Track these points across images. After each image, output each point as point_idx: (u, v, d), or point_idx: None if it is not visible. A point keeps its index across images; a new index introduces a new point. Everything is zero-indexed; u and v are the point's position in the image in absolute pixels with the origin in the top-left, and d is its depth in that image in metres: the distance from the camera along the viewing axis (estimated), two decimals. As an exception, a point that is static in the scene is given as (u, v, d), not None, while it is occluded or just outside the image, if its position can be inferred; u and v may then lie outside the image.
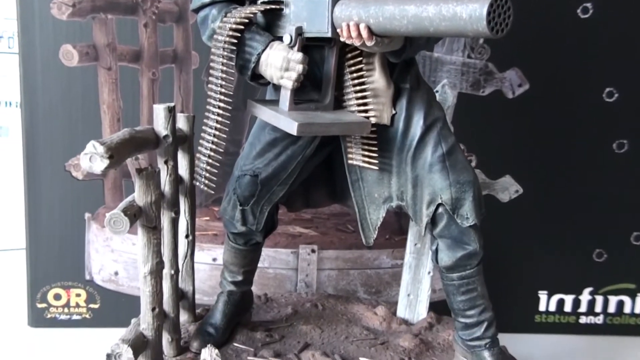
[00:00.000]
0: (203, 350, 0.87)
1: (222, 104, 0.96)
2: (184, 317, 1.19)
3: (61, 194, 1.38)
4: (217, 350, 0.87)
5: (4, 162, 1.74)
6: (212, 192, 0.98)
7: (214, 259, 1.43)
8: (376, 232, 1.07)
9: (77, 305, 1.42)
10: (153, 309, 0.99)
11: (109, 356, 0.94)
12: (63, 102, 1.35)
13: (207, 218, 1.44)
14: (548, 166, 1.42)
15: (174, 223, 1.09)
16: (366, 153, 1.02)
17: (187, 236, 1.17)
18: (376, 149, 1.01)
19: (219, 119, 0.97)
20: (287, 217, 1.46)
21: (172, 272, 1.09)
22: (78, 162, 1.37)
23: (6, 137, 1.78)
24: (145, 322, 0.99)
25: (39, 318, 1.42)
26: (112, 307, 1.41)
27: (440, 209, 1.02)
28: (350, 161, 1.04)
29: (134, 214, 0.93)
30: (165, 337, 1.08)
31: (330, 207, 1.49)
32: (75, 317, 1.42)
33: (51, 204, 1.38)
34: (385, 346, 1.16)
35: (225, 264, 1.16)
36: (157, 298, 0.99)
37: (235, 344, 1.14)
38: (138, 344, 0.97)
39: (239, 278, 1.16)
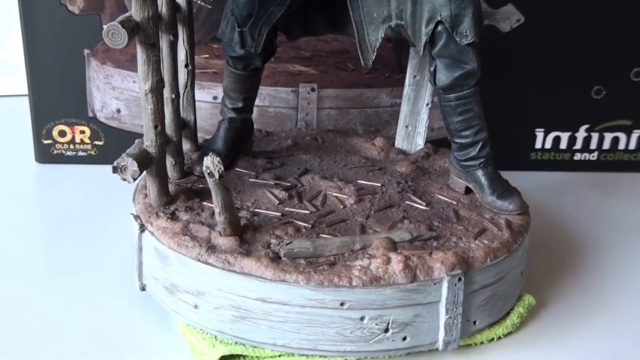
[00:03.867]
0: (205, 158, 0.90)
1: None
2: (186, 146, 1.21)
3: (58, 31, 1.37)
4: (218, 158, 0.90)
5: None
6: (209, 6, 0.97)
7: (214, 97, 1.44)
8: (374, 54, 1.07)
9: (82, 142, 1.45)
10: (155, 127, 1.01)
11: (114, 168, 0.97)
12: None
13: (207, 55, 1.44)
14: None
15: (173, 47, 1.10)
16: (366, -32, 1.00)
17: (186, 65, 1.17)
18: (376, -37, 0.99)
19: None
20: (287, 55, 1.45)
21: (173, 96, 1.11)
22: (73, -5, 1.35)
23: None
24: (148, 139, 1.02)
25: (45, 154, 1.45)
26: (116, 145, 1.43)
27: (440, 27, 1.01)
28: (349, -21, 1.02)
29: (131, 28, 0.93)
30: (169, 160, 1.11)
31: (330, 45, 1.48)
32: (81, 153, 1.46)
33: (49, 42, 1.38)
34: (382, 171, 1.20)
35: (225, 91, 1.17)
36: (158, 116, 1.01)
37: (237, 169, 1.18)
38: (142, 159, 1.00)
39: (239, 105, 1.17)
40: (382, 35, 1.05)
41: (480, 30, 1.01)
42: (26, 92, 1.43)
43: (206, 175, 0.91)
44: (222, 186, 0.92)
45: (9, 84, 1.71)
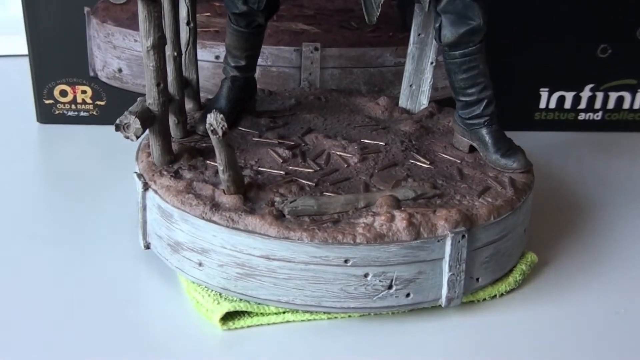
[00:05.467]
0: (208, 115, 0.89)
1: None
2: (188, 105, 1.20)
3: (58, -12, 1.35)
4: (222, 115, 0.90)
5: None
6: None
7: (217, 57, 1.43)
8: (379, 10, 1.05)
9: (84, 102, 1.44)
10: (158, 84, 1.00)
11: (117, 126, 0.97)
12: None
13: (208, 14, 1.42)
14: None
15: (174, 3, 1.08)
16: None
17: (188, 23, 1.15)
18: None
19: None
20: (290, 14, 1.43)
21: (175, 53, 1.09)
22: (72, -48, 1.33)
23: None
24: (151, 97, 1.01)
25: (47, 114, 1.44)
26: (118, 105, 1.42)
27: (445, -18, 1.00)
28: None
29: (132, -18, 0.92)
30: (172, 119, 1.11)
31: (334, 3, 1.46)
32: (82, 113, 1.45)
33: (49, 0, 1.35)
34: (386, 130, 1.19)
35: (228, 49, 1.16)
36: (161, 73, 1.00)
37: (241, 128, 1.17)
38: (145, 116, 0.99)
39: (242, 63, 1.16)
40: (387, -10, 1.04)
41: (487, -16, 1.00)
42: (26, 51, 1.41)
43: (209, 132, 0.90)
44: (225, 143, 0.92)
45: (9, 44, 1.69)
